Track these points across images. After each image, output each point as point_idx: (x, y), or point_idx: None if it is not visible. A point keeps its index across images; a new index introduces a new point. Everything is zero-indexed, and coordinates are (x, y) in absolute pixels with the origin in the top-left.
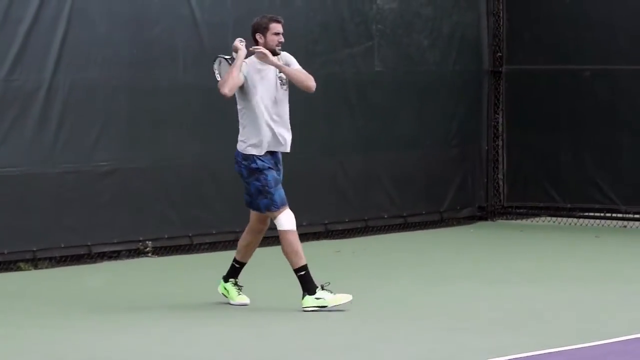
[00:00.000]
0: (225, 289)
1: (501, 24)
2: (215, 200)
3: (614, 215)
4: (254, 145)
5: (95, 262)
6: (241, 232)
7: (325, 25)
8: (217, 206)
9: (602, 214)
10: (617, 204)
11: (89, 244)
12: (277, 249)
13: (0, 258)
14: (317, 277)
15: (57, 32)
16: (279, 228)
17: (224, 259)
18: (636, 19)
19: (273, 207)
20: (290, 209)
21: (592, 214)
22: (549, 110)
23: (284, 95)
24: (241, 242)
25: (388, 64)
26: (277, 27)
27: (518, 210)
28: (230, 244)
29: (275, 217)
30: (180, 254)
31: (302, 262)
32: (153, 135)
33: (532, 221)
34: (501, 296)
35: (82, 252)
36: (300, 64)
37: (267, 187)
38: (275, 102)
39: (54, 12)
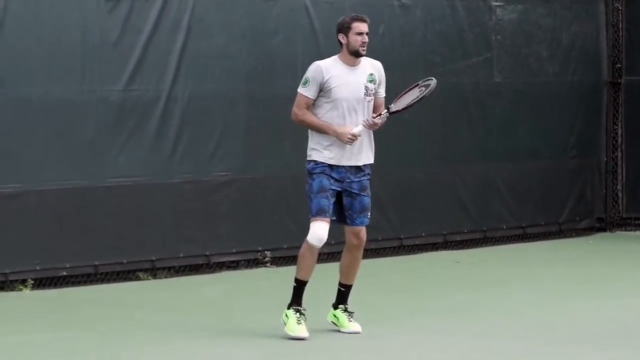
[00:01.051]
0: (334, 316)
1: (620, 35)
2: None
3: None
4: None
5: (213, 272)
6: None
7: (444, 35)
8: None
9: None
10: None
11: (208, 253)
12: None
13: (119, 267)
14: (433, 288)
15: (176, 42)
16: (308, 237)
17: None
18: None
19: (310, 214)
20: (410, 218)
21: None
22: None
23: (365, 105)
24: (342, 263)
25: (507, 75)
26: (360, 27)
27: (637, 222)
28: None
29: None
30: None
31: (300, 277)
32: (271, 145)
33: None
34: (620, 308)
35: (200, 262)
36: (420, 74)
37: (309, 192)
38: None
39: (173, 22)
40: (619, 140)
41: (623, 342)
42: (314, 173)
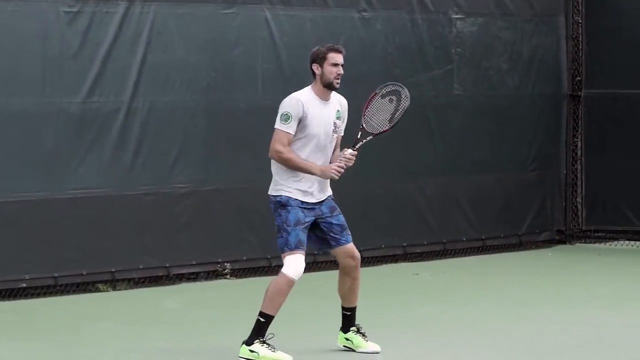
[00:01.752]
0: (347, 339)
1: (580, 48)
2: None
3: None
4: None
5: (173, 283)
6: (318, 254)
7: (405, 48)
8: None
9: None
10: None
11: (167, 265)
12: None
13: (79, 279)
14: (393, 299)
15: (136, 54)
16: (282, 269)
17: (303, 280)
18: None
19: (286, 247)
20: (370, 231)
21: None
22: (628, 134)
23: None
24: (342, 288)
25: (467, 88)
26: (336, 58)
27: (597, 234)
28: (308, 267)
29: (284, 258)
30: (258, 275)
31: (271, 312)
32: (231, 157)
33: (610, 245)
34: (578, 320)
35: (160, 274)
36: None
37: (284, 225)
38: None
39: (133, 35)
40: (579, 152)
41: (583, 354)
42: (289, 206)
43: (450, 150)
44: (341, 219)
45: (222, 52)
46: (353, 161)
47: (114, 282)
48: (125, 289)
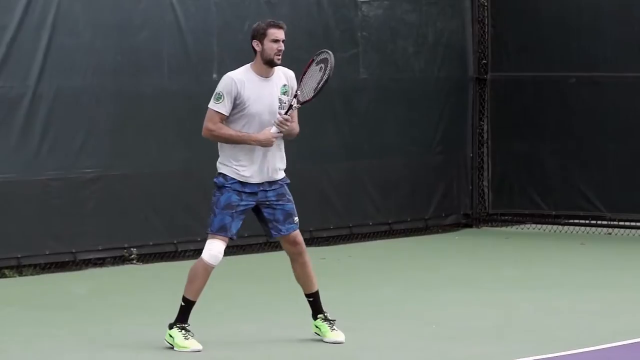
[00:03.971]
0: (316, 327)
1: (486, 31)
2: (201, 206)
3: (599, 222)
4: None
5: (80, 269)
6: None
7: (311, 32)
8: (202, 213)
9: (587, 221)
10: (602, 211)
11: (74, 250)
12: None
13: None
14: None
15: (42, 39)
16: (203, 252)
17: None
18: (621, 25)
19: (210, 229)
20: None
21: (577, 221)
22: (534, 118)
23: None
24: (296, 276)
25: (373, 71)
26: (276, 34)
27: (503, 218)
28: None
29: (207, 241)
30: (165, 260)
31: (191, 297)
32: (138, 142)
33: (517, 228)
34: (486, 303)
35: (67, 259)
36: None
37: (214, 206)
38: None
39: (38, 19)
40: (485, 136)
41: (489, 338)
42: (223, 187)
43: (356, 134)
44: (288, 207)
45: (128, 37)
46: (287, 126)
47: (20, 268)
48: (32, 274)
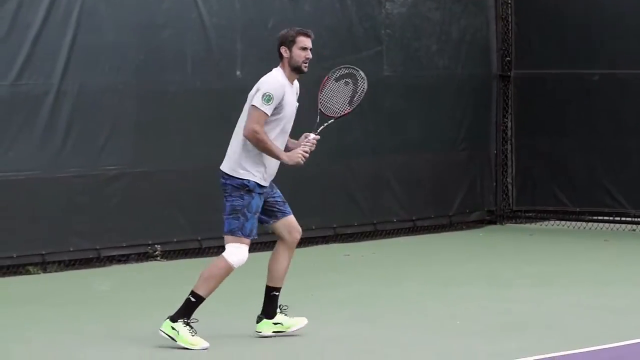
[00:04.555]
0: (275, 324)
1: (510, 28)
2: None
3: (623, 219)
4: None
5: (104, 265)
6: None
7: (334, 29)
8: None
9: (611, 218)
10: (627, 208)
11: (98, 247)
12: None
13: (9, 262)
14: (324, 280)
15: (66, 37)
16: (224, 254)
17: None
18: None
19: (240, 232)
20: (301, 212)
21: (601, 217)
22: (558, 114)
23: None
24: (278, 266)
25: (397, 69)
26: (305, 42)
27: (527, 214)
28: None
29: (229, 243)
30: (189, 257)
31: (203, 294)
32: (161, 139)
33: (541, 225)
34: (510, 300)
35: (91, 256)
36: (310, 68)
37: (244, 210)
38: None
39: (63, 17)
40: (509, 133)
41: (511, 334)
42: (254, 192)
43: (380, 131)
44: (280, 193)
45: (152, 34)
46: (315, 145)
47: (45, 265)
48: (56, 271)
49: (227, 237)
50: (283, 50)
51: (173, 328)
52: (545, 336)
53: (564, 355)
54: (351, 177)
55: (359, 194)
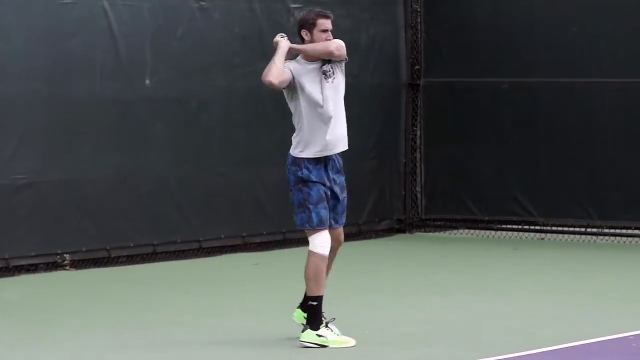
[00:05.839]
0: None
1: (419, 36)
2: (133, 212)
3: (531, 227)
4: (304, 148)
5: (12, 275)
6: (159, 244)
7: (244, 37)
8: (134, 218)
9: (520, 226)
10: (535, 217)
11: (7, 257)
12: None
13: None
14: (232, 290)
15: None
16: (310, 248)
17: (142, 271)
18: (554, 31)
19: (308, 224)
20: (209, 221)
21: (510, 226)
22: (467, 123)
23: (332, 89)
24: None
25: None
26: (325, 24)
27: (436, 223)
28: (148, 257)
29: (309, 236)
30: (98, 266)
31: (319, 293)
32: (70, 148)
33: (450, 234)
34: (418, 308)
35: None
36: (219, 76)
37: (305, 202)
38: (325, 100)
39: None
40: (418, 141)
41: (423, 342)
42: (310, 181)
43: (289, 139)
44: (345, 201)
45: (61, 42)
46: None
47: None
48: None
49: (306, 231)
50: (304, 33)
51: (319, 335)
52: (451, 345)
53: None
54: (260, 186)
55: (268, 202)
